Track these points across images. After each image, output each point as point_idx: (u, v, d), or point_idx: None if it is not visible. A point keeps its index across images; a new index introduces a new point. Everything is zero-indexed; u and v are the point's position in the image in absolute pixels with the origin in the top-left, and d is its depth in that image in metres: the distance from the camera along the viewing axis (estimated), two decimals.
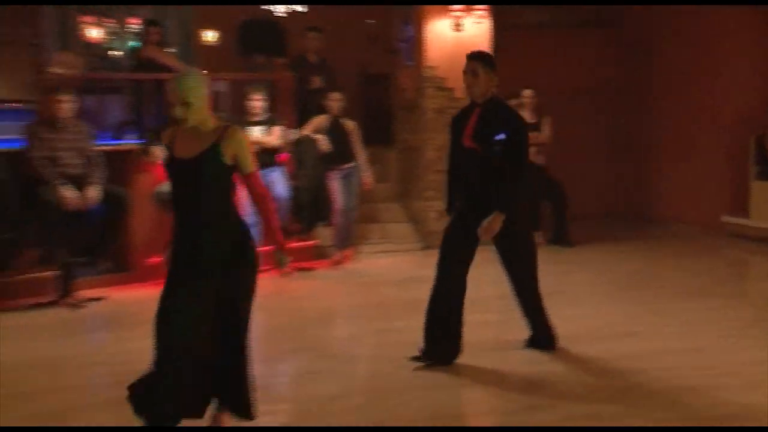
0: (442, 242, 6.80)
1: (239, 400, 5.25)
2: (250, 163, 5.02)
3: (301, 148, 10.27)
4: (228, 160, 4.89)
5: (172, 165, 4.93)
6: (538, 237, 11.49)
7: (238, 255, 5.04)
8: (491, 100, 6.51)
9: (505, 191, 6.52)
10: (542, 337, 7.10)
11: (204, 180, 4.88)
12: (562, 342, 7.21)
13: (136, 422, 5.05)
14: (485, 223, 6.46)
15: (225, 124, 5.02)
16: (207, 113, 4.99)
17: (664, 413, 5.75)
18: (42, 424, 6.06)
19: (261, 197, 5.16)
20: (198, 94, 4.90)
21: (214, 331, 5.04)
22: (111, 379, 7.05)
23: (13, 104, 13.75)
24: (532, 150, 11.46)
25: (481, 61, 6.50)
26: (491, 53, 6.80)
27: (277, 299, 9.25)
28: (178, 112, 4.87)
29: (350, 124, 10.64)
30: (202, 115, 4.95)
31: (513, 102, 11.55)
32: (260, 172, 9.48)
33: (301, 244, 10.54)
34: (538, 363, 6.90)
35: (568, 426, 5.04)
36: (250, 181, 5.08)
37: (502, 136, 6.39)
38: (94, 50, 14.59)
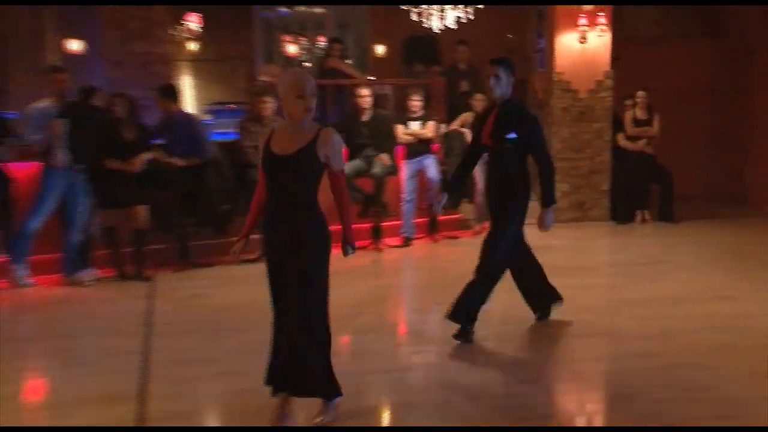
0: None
1: (306, 380, 4.71)
2: (341, 163, 4.68)
3: (449, 139, 10.41)
4: (321, 158, 4.52)
5: (271, 160, 4.57)
6: (646, 215, 11.32)
7: (316, 241, 4.72)
8: (508, 102, 6.20)
9: (546, 187, 6.42)
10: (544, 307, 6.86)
11: (300, 173, 4.51)
12: (674, 301, 7.34)
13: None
14: (540, 222, 6.42)
15: (320, 126, 4.65)
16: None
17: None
18: (250, 352, 6.31)
19: (341, 195, 4.76)
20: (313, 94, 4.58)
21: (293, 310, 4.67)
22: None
23: (230, 105, 14.23)
24: (641, 142, 11.34)
25: (503, 66, 6.14)
26: (511, 59, 6.31)
27: (427, 262, 9.42)
28: (298, 107, 4.52)
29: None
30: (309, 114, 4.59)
31: (628, 102, 11.40)
32: (416, 159, 9.73)
33: (449, 217, 10.57)
34: (651, 318, 6.92)
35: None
36: (336, 178, 4.66)
37: (513, 136, 6.11)
38: (292, 62, 14.97)
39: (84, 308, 7.65)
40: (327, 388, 4.78)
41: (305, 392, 4.75)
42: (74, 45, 13.90)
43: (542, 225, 6.39)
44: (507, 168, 6.25)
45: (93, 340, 6.80)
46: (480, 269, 6.45)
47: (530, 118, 6.32)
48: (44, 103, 8.05)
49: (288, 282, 4.66)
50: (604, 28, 11.32)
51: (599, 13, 11.29)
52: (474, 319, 6.32)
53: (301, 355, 4.62)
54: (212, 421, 5.17)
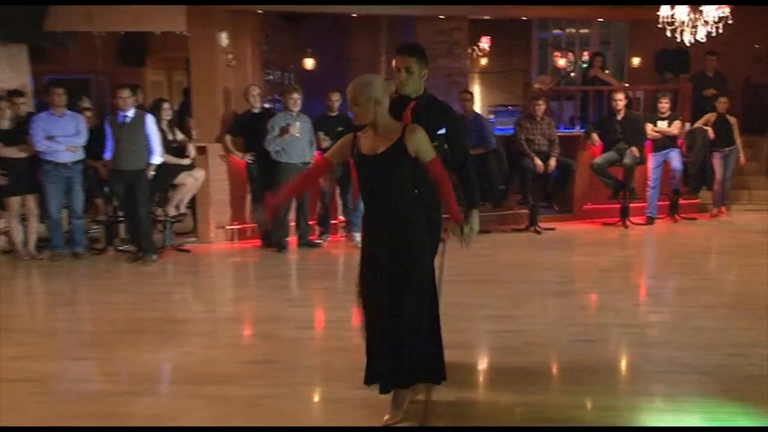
0: None
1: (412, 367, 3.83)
2: (429, 153, 3.76)
3: (693, 135, 9.73)
4: (411, 153, 3.71)
5: (362, 161, 3.79)
6: None
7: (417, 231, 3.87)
8: (424, 96, 4.19)
9: (469, 190, 4.38)
10: None
11: (392, 170, 3.74)
12: None
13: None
14: (466, 229, 4.34)
15: (405, 124, 3.80)
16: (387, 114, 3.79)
17: None
18: (517, 301, 6.32)
19: (441, 180, 3.87)
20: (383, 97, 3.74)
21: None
22: (558, 277, 7.24)
23: (509, 107, 14.21)
24: None
25: (416, 56, 4.09)
26: (423, 47, 4.27)
27: (667, 238, 9.03)
28: (367, 112, 3.71)
29: (732, 119, 9.99)
30: (386, 115, 3.77)
31: None
32: (662, 152, 9.26)
33: (689, 201, 9.98)
34: None
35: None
36: (430, 167, 3.79)
37: (443, 131, 4.13)
38: (560, 73, 14.68)
39: None
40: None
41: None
42: (394, 62, 14.47)
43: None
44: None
45: None
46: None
47: (453, 111, 4.48)
48: None
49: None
50: None
51: None
52: None
53: (409, 346, 3.77)
54: (482, 354, 5.20)
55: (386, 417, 3.83)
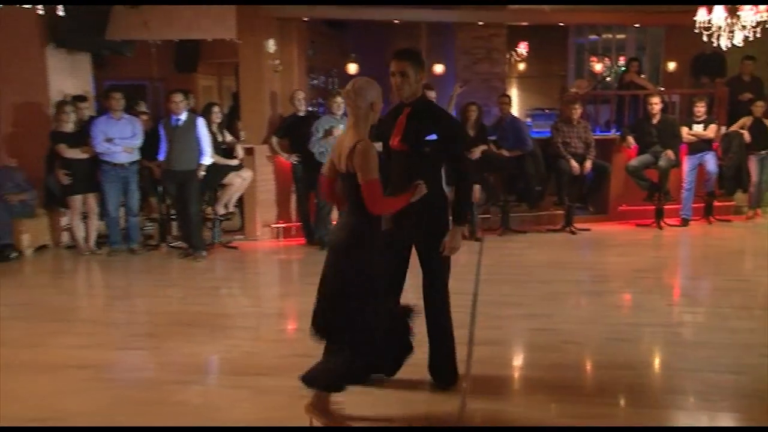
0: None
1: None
2: (366, 173, 3.47)
3: (729, 139, 9.50)
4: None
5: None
6: None
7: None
8: (420, 100, 4.05)
9: (459, 205, 4.07)
10: None
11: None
12: None
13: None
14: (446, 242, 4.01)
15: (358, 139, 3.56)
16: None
17: None
18: (551, 299, 6.24)
19: (368, 206, 3.53)
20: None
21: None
22: (592, 277, 7.12)
23: (546, 110, 14.08)
24: None
25: (411, 60, 3.97)
26: (419, 52, 4.14)
27: (701, 239, 8.86)
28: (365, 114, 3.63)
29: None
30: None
31: None
32: (697, 155, 9.07)
33: (723, 203, 9.75)
34: None
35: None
36: (362, 189, 3.51)
37: (433, 137, 3.96)
38: (596, 77, 14.48)
39: None
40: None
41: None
42: (438, 68, 14.51)
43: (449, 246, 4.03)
44: (423, 176, 3.89)
45: None
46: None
47: (449, 117, 4.35)
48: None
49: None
50: None
51: None
52: None
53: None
54: (518, 351, 5.14)
55: None
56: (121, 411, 3.99)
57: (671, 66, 13.74)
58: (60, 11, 6.30)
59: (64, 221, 8.56)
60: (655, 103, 9.17)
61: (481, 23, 12.34)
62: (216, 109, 8.63)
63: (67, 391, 4.31)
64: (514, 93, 15.79)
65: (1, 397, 4.21)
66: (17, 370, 4.67)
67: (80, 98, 8.78)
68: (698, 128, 9.31)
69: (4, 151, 8.58)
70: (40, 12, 6.21)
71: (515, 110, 15.93)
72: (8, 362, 4.79)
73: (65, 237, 8.65)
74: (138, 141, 8.09)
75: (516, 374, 4.68)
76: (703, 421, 3.82)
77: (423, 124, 3.97)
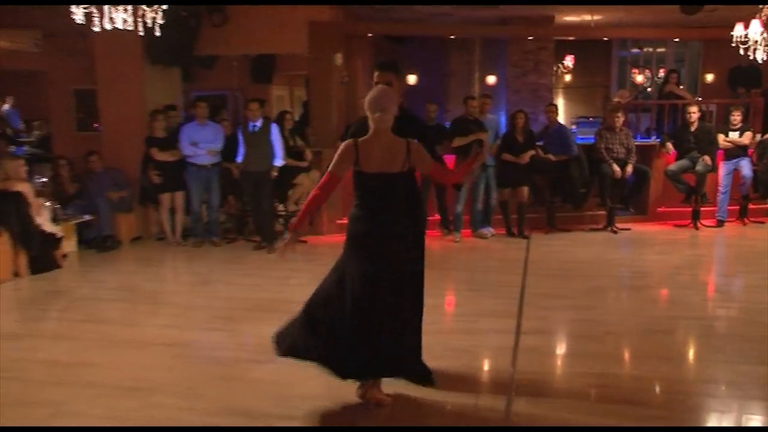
0: None
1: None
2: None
3: (763, 145, 9.18)
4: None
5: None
6: None
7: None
8: (401, 108, 3.87)
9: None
10: None
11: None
12: None
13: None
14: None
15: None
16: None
17: None
18: (593, 293, 6.14)
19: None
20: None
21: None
22: (632, 273, 7.01)
23: (590, 118, 13.89)
24: None
25: (395, 71, 3.90)
26: (399, 63, 4.06)
27: (736, 239, 8.63)
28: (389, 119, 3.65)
29: None
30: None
31: None
32: (733, 160, 8.80)
33: (758, 206, 9.36)
34: None
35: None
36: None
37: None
38: (638, 88, 14.18)
39: (483, 254, 7.93)
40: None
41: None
42: (491, 79, 14.44)
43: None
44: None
45: (488, 275, 7.05)
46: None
47: (421, 121, 4.20)
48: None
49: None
50: None
51: None
52: None
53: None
54: (561, 339, 5.09)
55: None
56: (203, 385, 4.09)
57: (709, 77, 13.38)
58: (156, 32, 6.49)
59: (155, 216, 8.82)
60: (693, 112, 8.93)
61: (530, 38, 12.22)
62: (288, 116, 8.74)
63: (157, 365, 4.45)
64: (560, 102, 15.58)
65: (104, 367, 4.40)
66: (116, 344, 4.86)
67: (170, 107, 9.00)
68: (734, 135, 9.02)
69: (106, 154, 8.89)
70: (141, 33, 6.40)
71: (561, 118, 15.77)
72: (109, 338, 4.99)
73: (156, 229, 8.91)
74: (219, 145, 8.25)
75: (559, 361, 4.64)
76: (734, 408, 3.72)
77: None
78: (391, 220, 3.65)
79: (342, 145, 3.73)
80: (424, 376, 3.86)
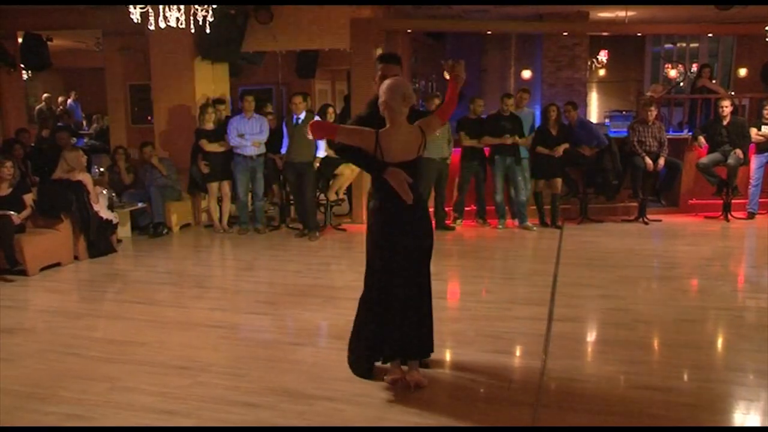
0: None
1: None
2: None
3: None
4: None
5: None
6: None
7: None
8: None
9: None
10: None
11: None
12: None
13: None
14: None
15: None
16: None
17: None
18: (624, 283, 6.02)
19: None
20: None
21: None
22: (663, 263, 6.87)
23: (624, 112, 13.62)
24: None
25: (397, 64, 3.85)
26: (400, 56, 4.08)
27: (767, 231, 8.21)
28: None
29: None
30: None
31: None
32: (765, 153, 8.52)
33: None
34: None
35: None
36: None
37: None
38: (671, 82, 13.83)
39: (518, 243, 7.85)
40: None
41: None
42: (526, 73, 14.26)
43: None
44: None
45: (521, 263, 6.99)
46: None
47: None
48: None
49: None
50: None
51: None
52: None
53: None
54: (592, 327, 5.01)
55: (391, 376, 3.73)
56: (246, 365, 4.13)
57: (742, 72, 12.99)
58: (207, 29, 6.56)
59: (203, 204, 8.94)
60: (726, 106, 8.68)
61: (565, 34, 12.01)
62: (330, 109, 8.73)
63: (204, 346, 4.51)
64: (594, 96, 15.33)
65: (155, 346, 4.48)
66: (166, 325, 4.95)
67: (219, 101, 9.10)
68: (766, 129, 8.73)
69: (159, 145, 9.03)
70: (192, 30, 6.49)
71: (594, 112, 15.48)
72: (159, 319, 5.09)
73: (204, 217, 9.02)
74: (264, 136, 8.30)
75: (590, 348, 4.57)
76: (762, 397, 3.61)
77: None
78: (413, 205, 3.61)
79: (365, 129, 3.60)
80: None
